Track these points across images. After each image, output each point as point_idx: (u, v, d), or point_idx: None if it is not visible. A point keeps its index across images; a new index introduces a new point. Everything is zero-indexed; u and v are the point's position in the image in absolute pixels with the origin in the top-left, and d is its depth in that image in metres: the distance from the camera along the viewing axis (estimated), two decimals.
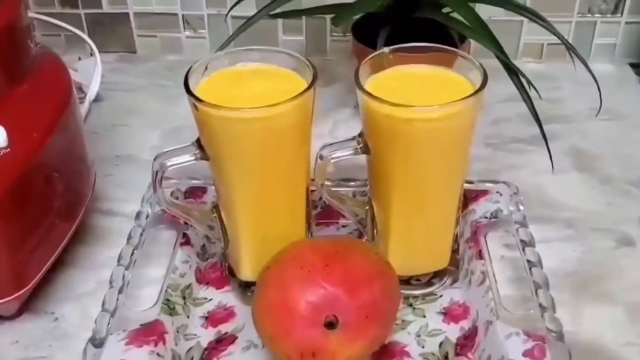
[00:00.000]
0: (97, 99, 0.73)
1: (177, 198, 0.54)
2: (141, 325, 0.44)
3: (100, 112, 0.71)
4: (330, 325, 0.39)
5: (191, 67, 0.43)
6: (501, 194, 0.54)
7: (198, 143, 0.43)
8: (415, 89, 0.43)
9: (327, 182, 0.51)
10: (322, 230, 0.54)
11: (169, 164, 0.43)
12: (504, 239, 0.53)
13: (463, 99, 0.40)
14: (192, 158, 0.43)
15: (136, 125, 0.69)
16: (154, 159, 0.44)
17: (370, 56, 0.44)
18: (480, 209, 0.53)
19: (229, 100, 0.41)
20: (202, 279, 0.51)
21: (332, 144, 0.44)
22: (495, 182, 0.55)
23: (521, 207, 0.53)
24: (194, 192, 0.55)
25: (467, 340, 0.46)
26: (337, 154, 0.44)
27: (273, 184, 0.44)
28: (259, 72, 0.44)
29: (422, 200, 0.45)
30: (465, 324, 0.47)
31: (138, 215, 0.52)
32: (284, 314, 0.40)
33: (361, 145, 0.44)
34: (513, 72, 0.52)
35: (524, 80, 0.54)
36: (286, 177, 0.44)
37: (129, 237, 0.50)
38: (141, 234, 0.51)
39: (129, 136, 0.68)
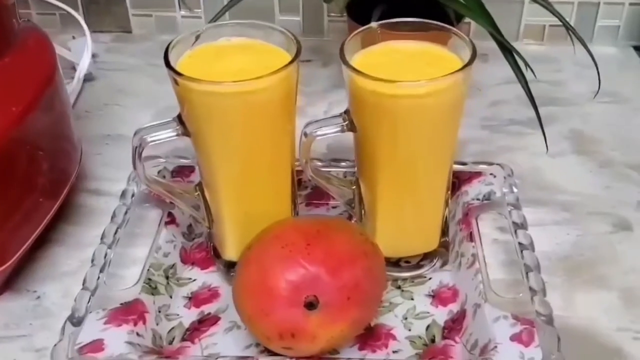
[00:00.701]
0: (91, 78, 0.72)
1: (164, 177, 0.53)
2: (121, 304, 0.43)
3: (93, 92, 0.70)
4: (311, 305, 0.38)
5: (171, 41, 0.42)
6: (495, 176, 0.53)
7: (179, 118, 0.42)
8: (403, 65, 0.42)
9: (317, 162, 0.50)
10: (311, 211, 0.53)
11: (149, 139, 0.42)
12: (497, 222, 0.52)
13: (450, 74, 0.39)
14: (174, 134, 0.42)
15: (129, 105, 0.68)
16: (134, 135, 0.43)
17: (357, 31, 0.43)
18: (473, 190, 0.52)
19: (210, 75, 0.40)
20: (187, 259, 0.50)
21: (317, 120, 0.43)
22: (489, 163, 0.54)
23: (515, 189, 0.51)
24: (182, 172, 0.54)
25: (454, 324, 0.45)
26: (322, 131, 0.43)
27: (256, 162, 0.43)
28: (244, 47, 0.43)
29: (410, 179, 0.44)
30: (454, 307, 0.46)
31: (123, 194, 0.51)
32: (263, 294, 0.39)
33: (347, 122, 0.43)
34: (508, 51, 0.50)
35: (520, 61, 0.52)
36: (270, 154, 0.43)
37: (113, 216, 0.50)
38: (126, 213, 0.50)
39: (121, 116, 0.67)
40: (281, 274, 0.38)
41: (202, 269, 0.49)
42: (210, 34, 0.44)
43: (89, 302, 0.43)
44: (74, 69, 0.71)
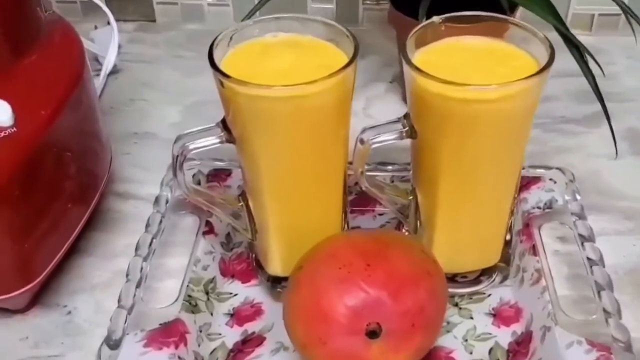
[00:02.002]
0: (114, 71, 0.68)
1: (199, 182, 0.50)
2: (160, 324, 0.40)
3: (117, 86, 0.67)
4: (373, 334, 0.35)
5: (216, 37, 0.38)
6: (555, 182, 0.49)
7: (223, 124, 0.39)
8: (471, 65, 0.38)
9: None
10: (356, 220, 0.49)
11: (191, 147, 0.38)
12: (556, 231, 0.48)
13: (529, 77, 0.35)
14: (217, 141, 0.39)
15: (155, 100, 0.65)
16: (175, 142, 0.39)
17: (420, 26, 0.39)
18: (533, 198, 0.48)
19: (258, 76, 0.36)
20: (227, 271, 0.46)
21: (373, 127, 0.39)
22: (548, 167, 0.50)
23: (578, 197, 0.48)
24: (218, 175, 0.50)
25: (520, 347, 0.42)
26: (380, 138, 0.39)
27: (307, 171, 0.39)
28: (291, 44, 0.40)
29: (475, 189, 0.40)
30: (518, 328, 0.43)
31: (157, 200, 0.48)
32: (320, 320, 0.35)
33: (407, 128, 0.39)
34: (574, 45, 0.47)
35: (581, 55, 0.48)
36: (322, 162, 0.39)
37: (147, 225, 0.46)
38: (160, 221, 0.47)
39: (148, 112, 0.63)
40: (339, 299, 0.35)
41: (243, 282, 0.46)
42: (254, 30, 0.40)
43: (125, 321, 0.40)
44: (97, 60, 0.68)
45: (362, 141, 0.39)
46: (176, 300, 0.42)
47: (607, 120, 0.48)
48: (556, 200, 0.48)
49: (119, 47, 0.71)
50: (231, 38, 0.39)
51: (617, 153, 0.49)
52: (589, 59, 0.48)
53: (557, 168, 0.50)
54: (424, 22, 0.39)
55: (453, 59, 0.39)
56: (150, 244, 0.45)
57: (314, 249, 0.38)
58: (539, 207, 0.48)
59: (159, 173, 0.51)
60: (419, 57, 0.39)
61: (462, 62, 0.38)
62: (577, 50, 0.46)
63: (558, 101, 0.63)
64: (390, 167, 0.50)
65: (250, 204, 0.42)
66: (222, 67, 0.37)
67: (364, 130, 0.39)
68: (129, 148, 0.59)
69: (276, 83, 0.35)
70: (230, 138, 0.38)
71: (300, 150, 0.38)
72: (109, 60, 0.64)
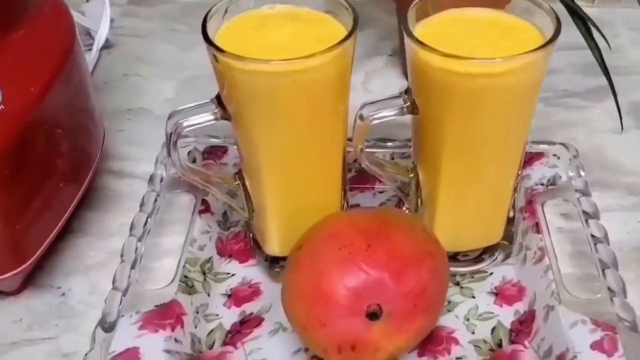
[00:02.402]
0: (107, 45, 0.66)
1: (194, 160, 0.49)
2: (156, 306, 0.39)
3: (110, 61, 0.65)
4: (373, 315, 0.34)
5: (210, 9, 0.37)
6: (559, 158, 0.48)
7: (218, 100, 0.37)
8: (474, 37, 0.37)
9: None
10: (356, 197, 0.48)
11: (185, 124, 0.37)
12: (560, 208, 0.47)
13: (534, 50, 0.34)
14: (212, 117, 0.37)
15: (149, 75, 0.63)
16: (168, 118, 0.38)
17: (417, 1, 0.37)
18: (536, 174, 0.47)
19: (254, 50, 0.35)
20: (224, 250, 0.45)
21: (373, 102, 0.38)
22: (552, 143, 0.49)
23: (582, 173, 0.47)
24: (214, 152, 0.49)
25: (522, 326, 0.41)
26: (381, 114, 0.38)
27: (305, 148, 0.38)
28: (289, 16, 0.38)
29: (478, 166, 0.39)
30: (520, 307, 0.42)
31: (152, 179, 0.47)
32: (320, 302, 0.34)
33: (408, 104, 0.38)
34: (579, 17, 0.45)
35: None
36: (320, 139, 0.38)
37: (142, 204, 0.45)
38: (155, 200, 0.46)
39: (142, 87, 0.62)
40: (340, 280, 0.34)
41: (240, 262, 0.45)
42: (250, 1, 0.39)
43: (120, 303, 0.39)
44: (89, 35, 0.66)
45: (361, 117, 0.38)
46: (172, 281, 0.41)
47: (614, 95, 0.47)
48: (560, 176, 0.47)
49: (112, 20, 0.69)
50: (226, 10, 0.38)
51: (622, 128, 0.47)
52: (594, 32, 0.47)
53: (560, 143, 0.49)
54: None
55: (456, 31, 0.37)
56: (145, 224, 0.44)
57: (313, 227, 0.37)
58: (542, 184, 0.47)
59: (153, 150, 0.50)
60: (420, 29, 0.37)
61: (466, 35, 0.37)
62: (583, 23, 0.45)
63: (562, 74, 0.61)
64: (390, 144, 0.49)
65: (247, 182, 0.41)
66: (216, 41, 0.36)
67: (363, 106, 0.38)
68: (123, 125, 0.58)
69: (273, 57, 0.34)
70: (225, 115, 0.37)
71: (298, 126, 0.37)
72: (101, 34, 0.63)
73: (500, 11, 0.38)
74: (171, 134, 0.37)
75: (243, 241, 0.46)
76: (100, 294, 0.42)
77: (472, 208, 0.41)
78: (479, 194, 0.40)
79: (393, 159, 0.49)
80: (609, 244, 0.42)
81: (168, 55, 0.66)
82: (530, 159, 0.48)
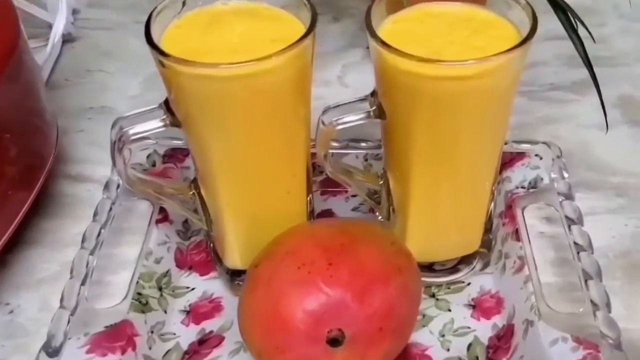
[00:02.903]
0: (70, 39, 0.63)
1: (154, 163, 0.46)
2: (106, 327, 0.36)
3: (73, 56, 0.62)
4: (335, 341, 0.31)
5: (155, 7, 0.34)
6: (541, 158, 0.45)
7: (167, 105, 0.34)
8: (444, 35, 0.34)
9: (332, 143, 0.42)
10: (328, 201, 0.45)
11: (131, 132, 0.34)
12: (542, 211, 0.45)
13: (508, 50, 0.31)
14: (160, 124, 0.34)
15: (114, 71, 0.60)
16: (112, 126, 0.35)
17: None
18: (516, 176, 0.44)
19: (203, 52, 0.32)
20: (184, 262, 0.43)
21: (337, 105, 0.35)
22: (534, 142, 0.46)
23: (565, 175, 0.44)
24: (175, 155, 0.46)
25: (500, 342, 0.38)
26: (344, 119, 0.35)
27: (263, 155, 0.35)
28: (243, 12, 0.35)
29: (452, 172, 0.36)
30: (499, 320, 0.39)
31: (107, 185, 0.44)
32: (277, 327, 0.31)
33: (374, 107, 0.35)
34: (560, 8, 0.42)
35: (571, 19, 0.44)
36: (280, 145, 0.35)
37: (95, 213, 0.42)
38: (110, 209, 0.43)
39: (105, 84, 0.59)
40: (298, 303, 0.31)
41: (201, 274, 0.42)
42: None
43: (68, 323, 0.36)
44: (50, 28, 0.63)
45: (324, 122, 0.35)
46: (124, 299, 0.38)
47: (598, 93, 0.44)
48: (542, 178, 0.44)
49: (77, 12, 0.66)
50: (181, 6, 0.35)
51: (607, 127, 0.44)
52: (578, 24, 0.44)
53: (543, 142, 0.46)
54: None
55: (425, 27, 0.34)
56: (99, 235, 0.41)
57: (272, 243, 0.34)
58: (522, 187, 0.44)
59: None
60: (387, 26, 0.34)
61: (436, 32, 0.34)
62: (564, 13, 0.42)
63: (546, 66, 0.59)
64: (364, 144, 0.46)
65: (203, 192, 0.38)
66: (163, 42, 0.33)
67: (326, 110, 0.35)
68: (83, 124, 0.54)
69: (224, 60, 0.31)
70: (175, 121, 0.34)
71: (254, 133, 0.34)
72: (57, 27, 0.59)
73: (475, 6, 0.35)
74: (115, 142, 0.34)
75: (205, 251, 0.43)
76: (51, 310, 0.39)
77: (446, 216, 0.38)
78: (454, 202, 0.37)
79: (367, 160, 0.46)
80: (592, 252, 0.39)
81: (134, 49, 0.62)
82: (510, 159, 0.45)
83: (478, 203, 0.38)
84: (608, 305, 0.37)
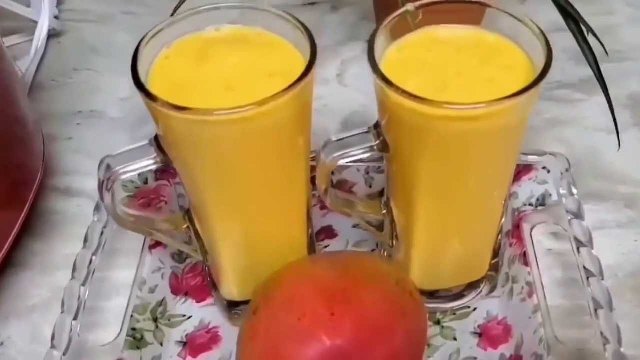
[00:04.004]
0: (55, 34, 0.60)
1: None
2: None
3: (59, 52, 0.59)
4: None
5: (145, 35, 0.31)
6: (549, 171, 0.43)
7: (157, 142, 0.32)
8: (452, 64, 0.32)
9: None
10: (328, 217, 0.44)
11: (120, 171, 0.32)
12: (550, 226, 0.43)
13: (522, 91, 0.28)
14: (151, 162, 0.32)
15: (103, 69, 0.58)
16: (99, 165, 0.33)
17: (390, 18, 0.32)
18: (524, 192, 0.43)
19: (195, 87, 0.30)
20: (179, 288, 0.41)
21: (337, 140, 0.33)
22: (541, 153, 0.44)
23: (574, 190, 0.42)
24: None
25: None
26: (346, 157, 0.33)
27: (260, 194, 0.33)
28: (237, 40, 0.33)
29: (459, 207, 0.34)
30: (507, 350, 0.38)
31: (98, 207, 0.42)
32: None
33: (378, 142, 0.33)
34: (570, 17, 0.40)
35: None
36: (278, 185, 0.33)
37: (86, 239, 0.40)
38: (102, 233, 0.41)
39: (94, 84, 0.56)
40: (299, 356, 0.30)
41: (197, 301, 0.41)
42: (192, 22, 0.33)
43: None
44: (34, 22, 0.60)
45: (325, 158, 0.33)
46: (118, 334, 0.37)
47: (611, 110, 0.41)
48: (550, 194, 0.42)
49: (61, 3, 0.64)
50: (164, 34, 0.32)
51: (619, 145, 0.42)
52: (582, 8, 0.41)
53: (550, 154, 0.44)
54: (396, 13, 0.32)
55: (431, 56, 0.32)
56: (90, 263, 0.39)
57: (270, 283, 0.33)
58: (530, 204, 0.42)
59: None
60: (391, 55, 0.32)
61: (442, 61, 0.32)
62: (576, 24, 0.40)
63: (553, 62, 0.56)
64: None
65: (197, 225, 0.36)
66: (151, 75, 0.31)
67: (325, 146, 0.33)
68: (72, 131, 0.52)
69: (217, 99, 0.29)
70: (166, 159, 0.32)
71: (251, 174, 0.32)
72: (42, 26, 0.57)
73: (482, 29, 0.33)
74: (104, 182, 0.32)
75: (201, 275, 0.41)
76: (44, 342, 0.38)
77: (453, 247, 0.37)
78: (461, 234, 0.36)
79: (368, 173, 0.44)
80: (603, 278, 0.38)
81: (124, 45, 0.59)
82: (517, 173, 0.43)
83: (485, 238, 0.37)
84: (619, 338, 0.35)
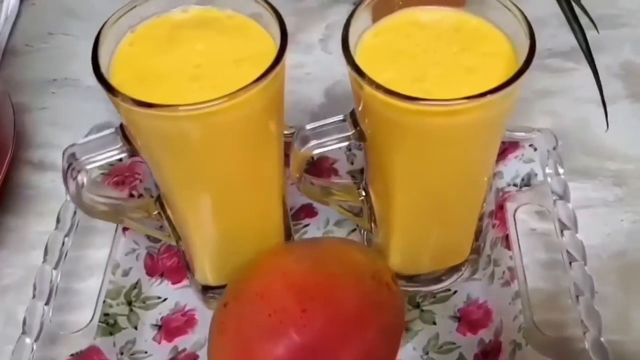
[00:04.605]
0: None
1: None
2: (72, 355, 0.35)
3: (33, 15, 0.57)
4: None
5: (105, 23, 0.30)
6: (535, 149, 0.42)
7: (123, 131, 0.31)
8: (431, 50, 0.30)
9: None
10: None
11: (84, 161, 0.31)
12: (534, 207, 0.42)
13: (502, 86, 0.27)
14: (116, 153, 0.31)
15: (79, 34, 0.55)
16: (63, 153, 0.32)
17: None
18: (509, 171, 0.42)
19: (160, 77, 0.29)
20: (155, 268, 0.40)
21: (312, 128, 0.32)
22: (528, 130, 0.43)
23: (561, 170, 0.41)
24: None
25: (487, 359, 0.37)
26: (323, 144, 0.31)
27: (233, 185, 0.32)
28: (205, 22, 0.31)
29: (438, 199, 0.33)
30: (486, 335, 0.38)
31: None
32: None
33: (354, 131, 0.31)
34: None
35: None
36: (249, 175, 0.32)
37: (58, 220, 0.39)
38: (75, 212, 0.40)
39: (69, 49, 0.54)
40: (269, 354, 0.29)
41: (173, 282, 0.40)
42: (158, 3, 0.31)
43: (31, 351, 0.34)
44: None
45: (299, 147, 0.31)
46: (89, 322, 0.36)
47: (597, 81, 0.40)
48: (535, 174, 0.41)
49: None
50: (128, 18, 0.31)
51: (607, 125, 0.41)
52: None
53: (537, 130, 0.42)
54: None
55: (409, 43, 0.30)
56: (62, 245, 0.38)
57: (242, 278, 0.32)
58: (515, 185, 0.41)
59: (81, 132, 0.43)
60: (366, 39, 0.31)
61: (421, 47, 0.30)
62: (566, 1, 0.38)
63: (545, 28, 0.54)
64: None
65: (169, 211, 0.35)
66: (114, 63, 0.29)
67: (299, 132, 0.32)
68: (46, 100, 0.51)
69: (182, 89, 0.28)
70: (133, 149, 0.31)
71: (221, 166, 0.31)
72: None
73: (464, 12, 0.31)
74: (67, 171, 0.31)
75: (177, 255, 0.41)
76: (17, 325, 0.37)
77: (432, 235, 0.36)
78: (439, 223, 0.35)
79: (350, 150, 0.43)
80: (585, 263, 0.37)
81: (101, 7, 0.57)
82: (503, 150, 0.42)
83: (467, 219, 0.36)
84: (599, 327, 0.35)
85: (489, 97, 0.26)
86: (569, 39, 0.52)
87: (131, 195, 0.42)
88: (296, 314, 0.29)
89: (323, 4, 0.56)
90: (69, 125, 0.49)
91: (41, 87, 0.51)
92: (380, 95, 0.27)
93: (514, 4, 0.30)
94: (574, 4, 0.38)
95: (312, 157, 0.37)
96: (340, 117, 0.32)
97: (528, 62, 0.27)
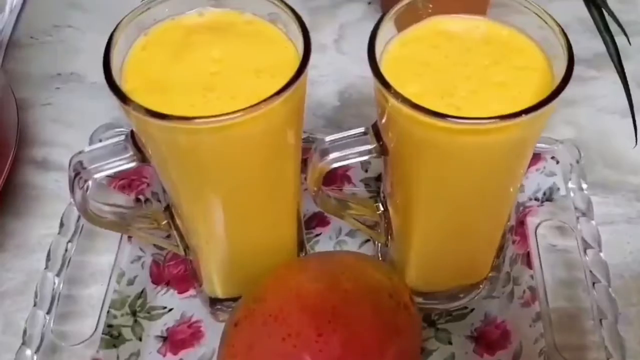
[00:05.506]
0: None
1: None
2: None
3: (38, 6, 0.55)
4: None
5: (116, 27, 0.28)
6: (558, 162, 0.40)
7: (133, 139, 0.29)
8: (460, 64, 0.28)
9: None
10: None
11: (92, 170, 0.29)
12: (556, 223, 0.41)
13: (541, 104, 0.25)
14: (125, 162, 0.29)
15: (85, 27, 0.54)
16: (70, 161, 0.30)
17: (394, 10, 0.28)
18: (530, 184, 0.40)
19: (174, 85, 0.27)
20: (160, 277, 0.39)
21: (332, 140, 0.30)
22: (551, 142, 0.41)
23: (584, 185, 0.39)
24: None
25: None
26: (343, 157, 0.30)
27: (247, 200, 0.30)
28: (222, 27, 0.29)
29: (461, 217, 0.32)
30: (504, 356, 0.36)
31: None
32: None
33: (375, 145, 0.30)
34: (594, 4, 0.36)
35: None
36: (266, 189, 0.30)
37: (61, 224, 0.38)
38: (79, 217, 0.38)
39: (74, 43, 0.53)
40: None
41: (179, 291, 0.38)
42: (173, 5, 0.30)
43: None
44: None
45: (317, 159, 0.30)
46: (92, 334, 0.35)
47: (627, 93, 0.38)
48: (557, 188, 0.40)
49: None
50: (141, 20, 0.29)
51: (636, 141, 0.39)
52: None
53: (560, 142, 0.41)
54: (400, 5, 0.29)
55: (438, 55, 0.29)
56: (66, 251, 0.37)
57: (254, 296, 0.30)
58: (536, 199, 0.40)
59: (85, 131, 0.42)
60: (392, 50, 0.29)
61: (450, 60, 0.29)
62: (598, 10, 0.36)
63: (567, 32, 0.52)
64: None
65: (178, 222, 0.33)
66: (125, 69, 0.28)
67: (317, 146, 0.30)
68: (50, 96, 0.49)
69: (197, 100, 0.26)
70: (144, 158, 0.29)
71: (234, 180, 0.29)
72: None
73: (494, 21, 0.30)
74: (74, 180, 0.29)
75: (183, 263, 0.39)
76: (16, 333, 0.36)
77: (452, 253, 0.34)
78: (461, 241, 0.33)
79: (367, 171, 0.41)
80: (609, 285, 0.36)
81: None
82: None
83: (490, 237, 0.34)
84: (623, 355, 0.33)
85: (524, 117, 0.25)
86: (591, 45, 0.51)
87: (137, 200, 0.40)
88: (311, 338, 0.28)
89: (335, 2, 0.55)
90: (74, 123, 0.47)
91: (45, 82, 0.50)
92: (406, 110, 0.26)
93: (548, 13, 0.28)
94: (604, 11, 0.36)
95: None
96: (362, 129, 0.30)
97: (566, 79, 0.26)
